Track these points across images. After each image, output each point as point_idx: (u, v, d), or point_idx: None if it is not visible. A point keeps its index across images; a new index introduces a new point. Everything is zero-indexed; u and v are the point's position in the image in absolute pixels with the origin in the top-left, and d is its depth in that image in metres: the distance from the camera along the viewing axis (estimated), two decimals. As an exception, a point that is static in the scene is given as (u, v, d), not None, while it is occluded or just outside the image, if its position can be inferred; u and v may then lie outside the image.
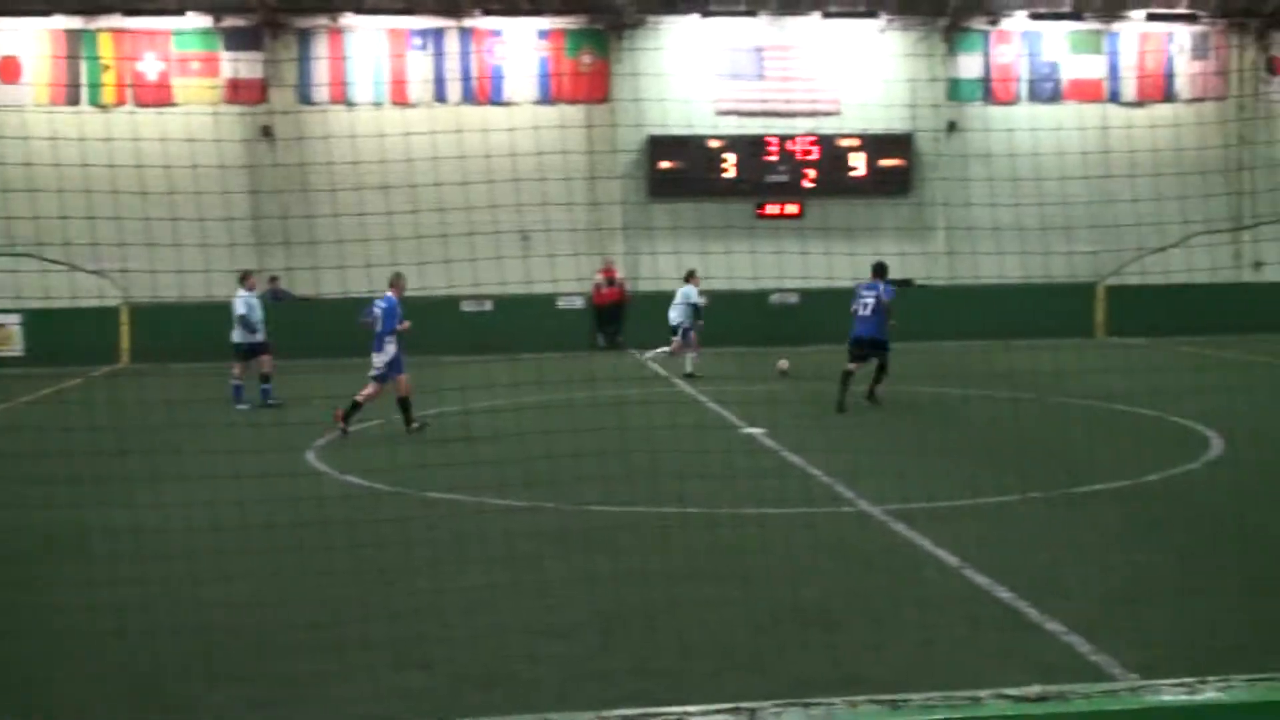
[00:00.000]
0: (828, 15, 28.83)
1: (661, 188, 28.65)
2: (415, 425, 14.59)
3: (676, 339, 21.09)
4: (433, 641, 6.71)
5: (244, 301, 17.89)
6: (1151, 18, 29.66)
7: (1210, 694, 2.54)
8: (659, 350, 21.98)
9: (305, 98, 28.12)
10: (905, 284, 28.08)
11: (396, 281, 15.08)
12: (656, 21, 28.68)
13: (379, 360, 14.69)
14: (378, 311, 14.68)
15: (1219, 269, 28.75)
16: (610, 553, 8.62)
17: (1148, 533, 9.13)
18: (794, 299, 26.63)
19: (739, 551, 8.45)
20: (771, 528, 9.31)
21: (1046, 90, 29.71)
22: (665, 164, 28.69)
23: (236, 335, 17.87)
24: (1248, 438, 12.99)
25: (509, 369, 15.26)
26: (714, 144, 28.54)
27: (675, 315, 21.14)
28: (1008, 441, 12.55)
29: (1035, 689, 2.52)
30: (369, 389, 14.80)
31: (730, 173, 28.75)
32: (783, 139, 28.81)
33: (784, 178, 28.90)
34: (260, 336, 17.96)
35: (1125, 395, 15.92)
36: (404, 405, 14.69)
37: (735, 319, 25.36)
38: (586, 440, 12.25)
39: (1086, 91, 29.68)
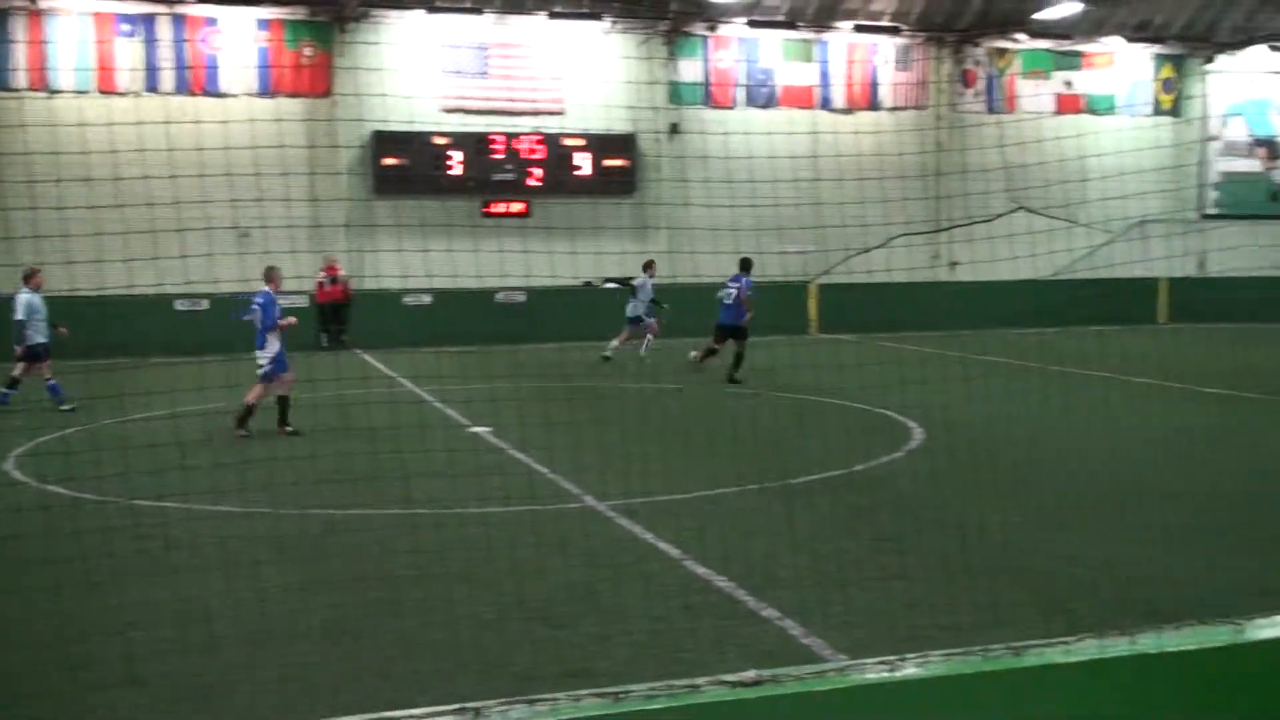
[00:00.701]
0: (553, 15, 29.00)
1: (386, 184, 28.20)
2: (290, 429, 13.99)
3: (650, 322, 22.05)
4: (145, 656, 6.40)
5: (24, 305, 16.41)
6: (859, 29, 31.16)
7: (910, 670, 2.67)
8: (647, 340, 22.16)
9: (1, 83, 26.33)
10: (625, 283, 28.59)
11: (273, 275, 14.37)
12: (381, 16, 28.19)
13: (264, 357, 14.00)
14: (256, 308, 14.01)
15: (919, 269, 30.54)
16: (332, 557, 8.42)
17: (856, 520, 9.57)
18: (520, 297, 26.69)
19: (465, 551, 8.39)
20: (497, 526, 9.31)
21: (763, 95, 30.79)
22: (390, 160, 28.24)
23: (39, 335, 16.42)
24: (944, 428, 13.85)
25: (226, 370, 14.69)
26: (439, 141, 28.28)
27: (635, 309, 21.92)
28: (728, 435, 12.91)
29: (750, 674, 2.59)
30: (257, 389, 14.13)
31: (456, 170, 28.56)
32: (509, 137, 28.82)
33: (510, 176, 28.92)
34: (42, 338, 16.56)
35: (836, 389, 16.65)
36: (283, 405, 14.10)
37: (461, 317, 25.22)
38: (306, 442, 11.94)
39: (799, 98, 30.92)
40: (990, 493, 10.41)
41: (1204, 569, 7.92)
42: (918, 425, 14.20)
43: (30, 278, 16.64)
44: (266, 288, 14.29)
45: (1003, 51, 33.09)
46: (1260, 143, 36.45)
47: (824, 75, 31.18)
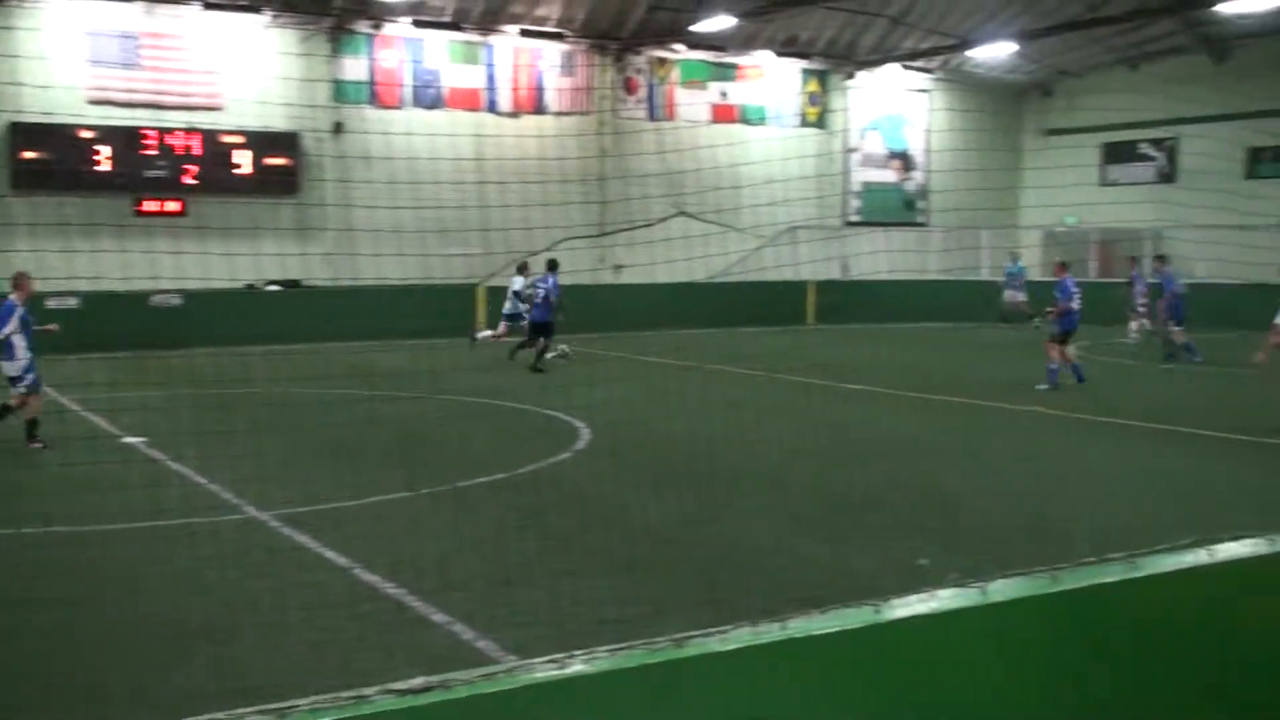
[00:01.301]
0: (209, 7, 27.75)
1: (25, 179, 26.16)
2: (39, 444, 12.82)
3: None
4: None
5: None
6: (524, 34, 31.40)
7: (577, 667, 2.72)
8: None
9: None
10: (293, 285, 27.80)
11: (20, 282, 13.17)
12: (21, 1, 26.17)
13: (12, 369, 12.86)
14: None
15: (585, 271, 31.09)
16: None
17: (525, 521, 9.66)
18: (177, 300, 25.40)
19: (115, 568, 7.94)
20: (152, 541, 8.85)
21: (429, 96, 30.54)
22: (29, 154, 26.25)
23: None
24: (610, 427, 14.17)
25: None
26: (85, 134, 26.52)
27: (510, 304, 22.67)
28: (395, 440, 12.77)
29: (419, 680, 2.57)
30: (33, 403, 12.98)
31: (104, 166, 26.86)
32: (162, 132, 27.33)
33: (164, 173, 27.40)
34: None
35: (503, 392, 16.75)
36: (6, 409, 13.03)
37: (112, 322, 23.75)
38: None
39: (466, 100, 30.85)
40: (653, 488, 10.75)
41: (848, 553, 8.45)
42: (584, 425, 14.46)
43: None
44: (13, 295, 13.25)
45: (663, 61, 34.15)
46: (895, 155, 39.19)
47: (490, 78, 31.24)
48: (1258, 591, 3.77)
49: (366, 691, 2.53)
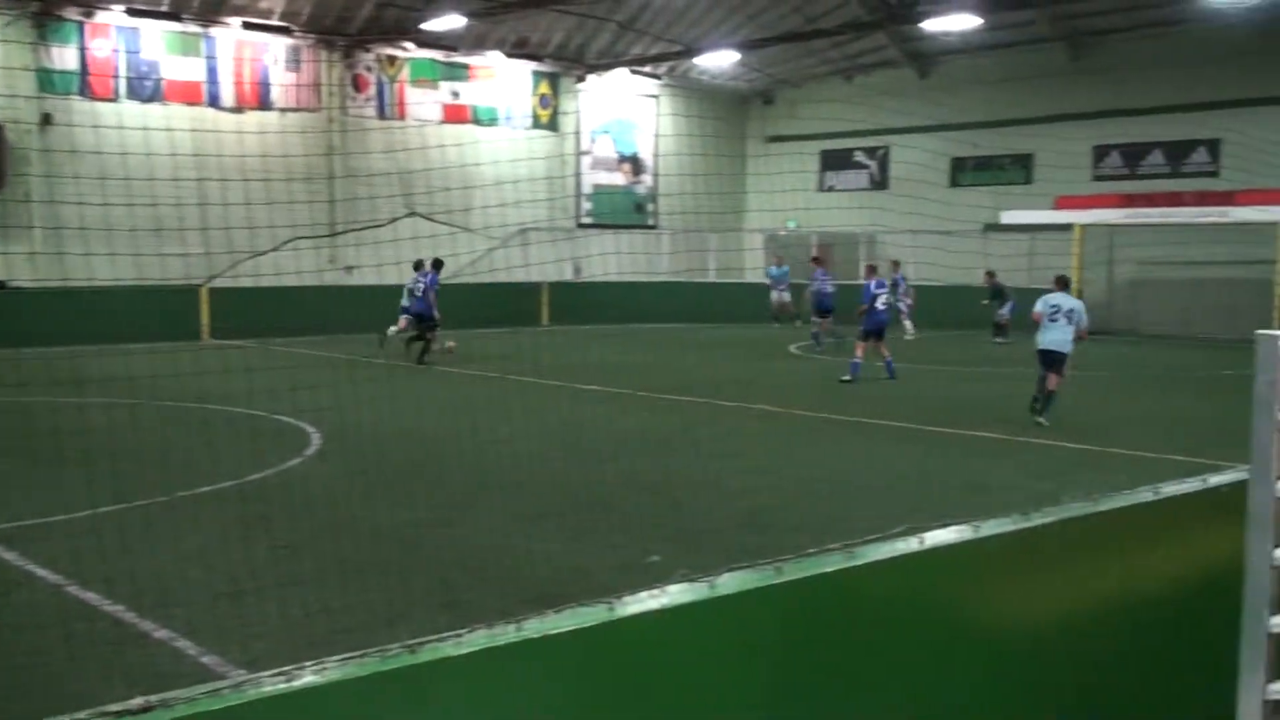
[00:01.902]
0: (-106, -15, 25.72)
1: None
2: None
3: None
4: None
5: None
6: (248, 26, 30.35)
7: (308, 678, 2.66)
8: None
9: None
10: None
11: None
12: None
13: None
14: None
15: (315, 272, 30.34)
16: None
17: (252, 530, 9.35)
18: None
19: None
20: None
21: (147, 89, 29.15)
22: None
23: None
24: (340, 431, 13.89)
25: None
26: None
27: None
28: (111, 450, 12.14)
29: (138, 700, 2.47)
30: None
31: None
32: None
33: None
34: None
35: (230, 396, 16.17)
36: None
37: None
38: None
39: (186, 94, 29.60)
40: (385, 492, 10.60)
41: (583, 552, 8.55)
42: (315, 430, 14.12)
43: None
44: None
45: (393, 59, 33.66)
46: (625, 159, 39.85)
47: (211, 71, 30.04)
48: (965, 575, 4.03)
49: (79, 715, 2.41)
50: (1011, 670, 4.19)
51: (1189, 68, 31.87)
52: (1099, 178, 34.99)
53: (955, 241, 30.76)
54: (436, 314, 23.12)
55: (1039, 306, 15.77)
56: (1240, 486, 3.15)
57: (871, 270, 21.99)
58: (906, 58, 37.52)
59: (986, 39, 34.47)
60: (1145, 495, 4.61)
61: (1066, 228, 31.98)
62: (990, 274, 29.87)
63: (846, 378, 19.37)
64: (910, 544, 3.83)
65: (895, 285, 28.24)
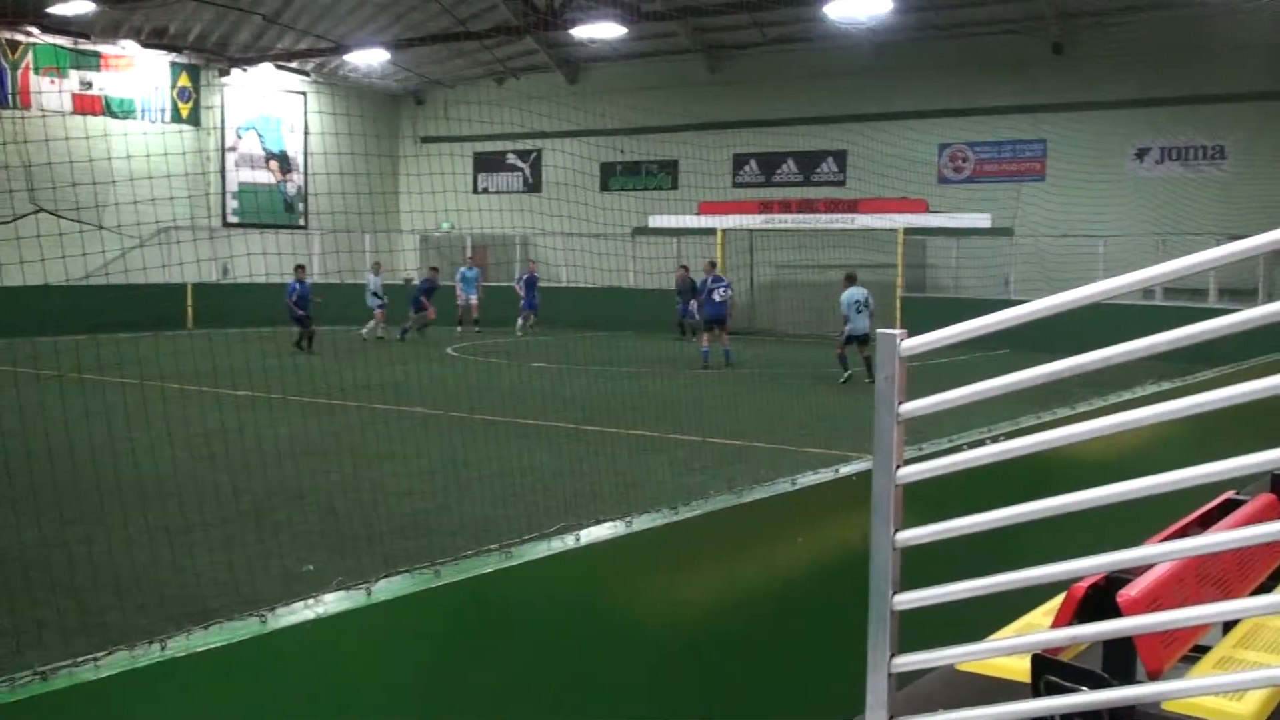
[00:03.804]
0: None
1: None
2: None
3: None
4: None
5: None
6: None
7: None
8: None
9: None
10: None
11: None
12: None
13: None
14: None
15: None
16: None
17: None
18: None
19: None
20: None
21: None
22: None
23: None
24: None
25: None
26: None
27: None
28: None
29: None
30: None
31: None
32: None
33: None
34: None
35: None
36: None
37: None
38: None
39: None
40: (6, 508, 9.85)
41: (234, 564, 8.23)
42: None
43: None
44: None
45: (15, 44, 31.27)
46: (273, 156, 38.62)
47: None
48: (620, 569, 4.16)
49: None
50: (668, 659, 4.36)
51: (817, 82, 34.01)
52: (739, 184, 36.78)
53: (606, 244, 31.55)
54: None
55: (845, 302, 20.53)
56: (867, 475, 3.40)
57: (711, 266, 25.53)
58: (556, 63, 38.18)
59: (632, 48, 35.58)
60: (784, 486, 4.90)
61: (710, 232, 33.44)
62: (684, 268, 30.90)
63: (702, 369, 22.03)
64: (567, 541, 3.93)
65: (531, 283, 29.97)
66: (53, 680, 2.67)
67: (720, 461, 12.79)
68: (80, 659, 2.76)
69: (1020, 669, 3.70)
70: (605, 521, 4.16)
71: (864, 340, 20.26)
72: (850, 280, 21.13)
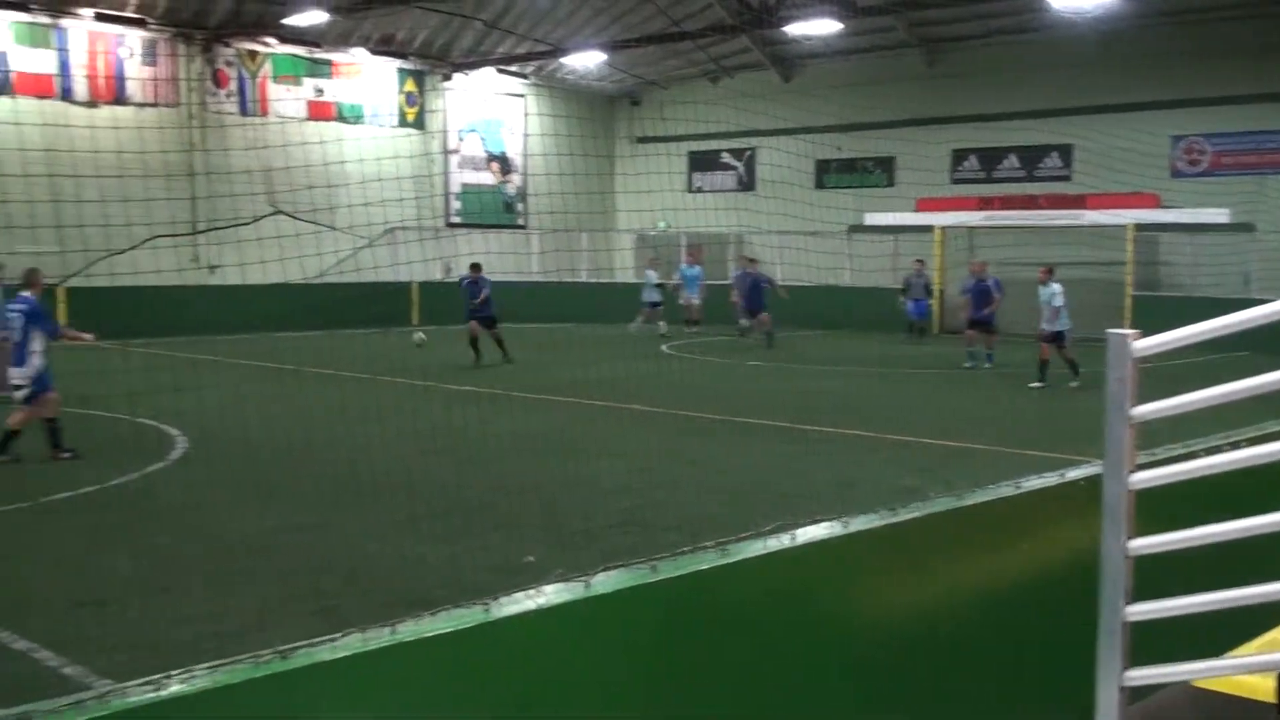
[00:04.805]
0: None
1: None
2: (67, 454, 11.49)
3: None
4: None
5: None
6: (100, 18, 29.47)
7: (176, 687, 2.61)
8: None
9: None
10: None
11: (33, 278, 11.62)
12: None
13: (23, 376, 11.33)
14: (15, 315, 11.46)
15: (173, 271, 29.55)
16: None
17: (116, 536, 9.12)
18: None
19: None
20: None
21: (-7, 81, 28.12)
22: None
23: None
24: (207, 434, 13.58)
25: None
26: None
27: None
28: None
29: (-3, 714, 2.41)
30: (20, 414, 11.41)
31: None
32: None
33: None
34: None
35: (90, 399, 15.67)
36: (51, 427, 11.63)
37: None
38: None
39: (36, 86, 28.62)
40: (254, 497, 10.40)
41: (458, 554, 8.49)
42: (180, 433, 13.79)
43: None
44: (28, 292, 11.70)
45: (254, 54, 32.98)
46: (493, 158, 39.66)
47: (64, 64, 29.09)
48: (835, 570, 4.11)
49: (-69, 732, 2.34)
50: (881, 663, 4.29)
51: (1040, 75, 32.93)
52: (958, 180, 35.93)
53: (821, 242, 31.28)
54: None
55: (1053, 296, 19.32)
56: (1096, 480, 3.27)
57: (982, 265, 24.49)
58: (770, 61, 38.05)
59: (847, 44, 35.15)
60: (1007, 490, 4.76)
61: (927, 229, 32.77)
62: (920, 262, 29.63)
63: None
64: (783, 540, 3.90)
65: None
66: (292, 659, 2.80)
67: (939, 463, 12.52)
68: (317, 640, 2.88)
69: (1265, 688, 3.51)
70: (821, 521, 4.12)
71: (1062, 338, 19.27)
72: (1049, 273, 19.97)
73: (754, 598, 3.80)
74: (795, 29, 32.86)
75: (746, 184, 40.04)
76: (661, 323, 29.80)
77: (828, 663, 4.08)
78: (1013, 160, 35.32)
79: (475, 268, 24.60)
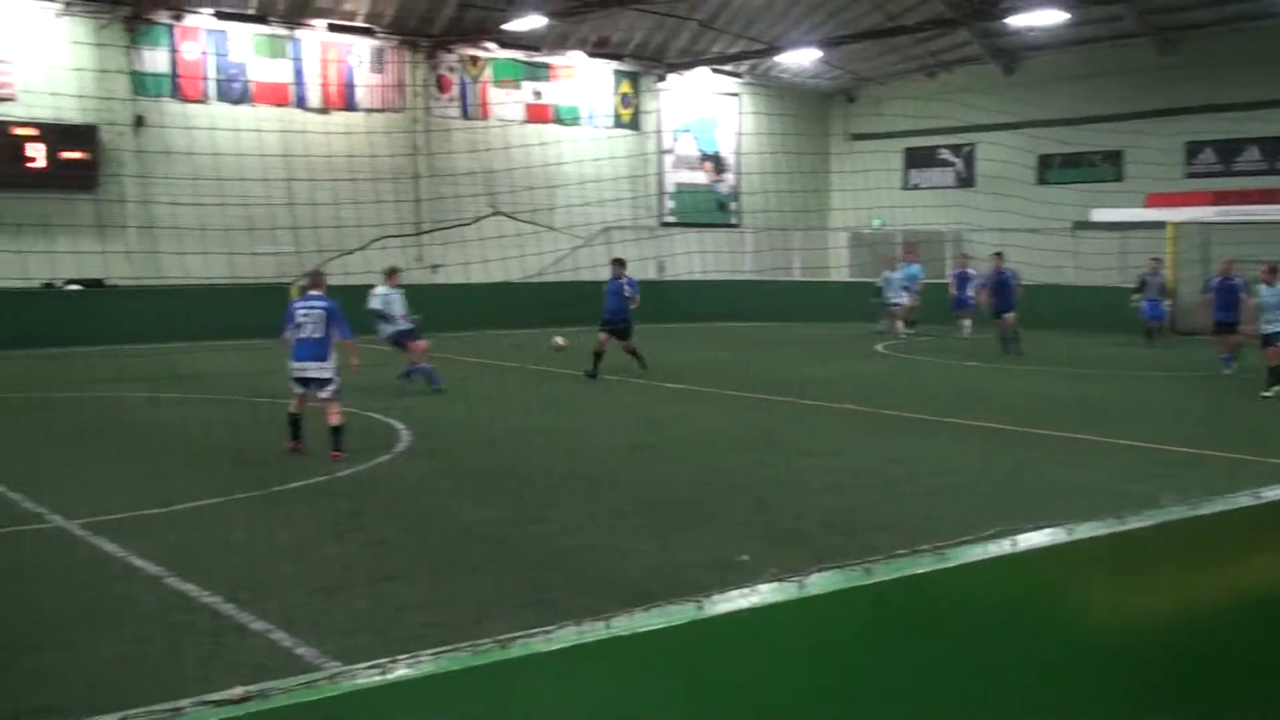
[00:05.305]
0: (-5, -8, 26.44)
1: None
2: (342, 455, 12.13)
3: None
4: None
5: (381, 298, 18.20)
6: (332, 28, 30.81)
7: (401, 671, 2.70)
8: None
9: None
10: (96, 284, 26.67)
11: (318, 279, 12.83)
12: None
13: (330, 370, 12.36)
14: (321, 311, 12.28)
15: (401, 271, 30.58)
16: None
17: (344, 525, 9.50)
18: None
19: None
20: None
21: (235, 91, 29.70)
22: None
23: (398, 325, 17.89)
24: (430, 427, 14.04)
25: None
26: None
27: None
28: (207, 445, 12.38)
29: (238, 690, 2.52)
30: (337, 407, 12.33)
31: (-120, 157, 25.32)
32: (-55, 123, 25.92)
33: (-52, 166, 26.00)
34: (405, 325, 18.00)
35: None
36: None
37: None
38: None
39: (274, 95, 30.10)
40: (475, 489, 10.69)
41: (670, 550, 8.55)
42: (404, 427, 14.29)
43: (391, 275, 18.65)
44: (315, 292, 12.60)
45: (475, 59, 33.93)
46: (707, 157, 39.79)
47: (298, 73, 30.53)
48: (1058, 579, 3.97)
49: (181, 703, 2.46)
50: (1108, 676, 4.13)
51: (1281, 62, 31.11)
52: (1192, 175, 34.26)
53: (1044, 240, 30.29)
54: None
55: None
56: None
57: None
58: (991, 54, 37.04)
59: (1072, 34, 33.91)
60: (1245, 500, 4.52)
61: (1159, 225, 31.29)
62: (1156, 260, 27.38)
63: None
64: (1003, 546, 3.79)
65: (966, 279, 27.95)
66: (509, 649, 2.86)
67: (1169, 469, 11.96)
68: (533, 631, 2.94)
69: None
70: (1045, 527, 3.99)
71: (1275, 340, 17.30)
72: (1273, 272, 17.65)
73: (972, 604, 3.70)
74: (1018, 21, 31.90)
75: (965, 180, 39.11)
76: (899, 323, 28.43)
77: (1045, 673, 3.94)
78: (1253, 152, 33.46)
79: (619, 264, 21.13)
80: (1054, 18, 30.87)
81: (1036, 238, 30.10)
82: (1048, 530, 3.96)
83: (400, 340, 18.07)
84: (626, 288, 20.18)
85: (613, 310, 19.92)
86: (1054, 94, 35.12)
